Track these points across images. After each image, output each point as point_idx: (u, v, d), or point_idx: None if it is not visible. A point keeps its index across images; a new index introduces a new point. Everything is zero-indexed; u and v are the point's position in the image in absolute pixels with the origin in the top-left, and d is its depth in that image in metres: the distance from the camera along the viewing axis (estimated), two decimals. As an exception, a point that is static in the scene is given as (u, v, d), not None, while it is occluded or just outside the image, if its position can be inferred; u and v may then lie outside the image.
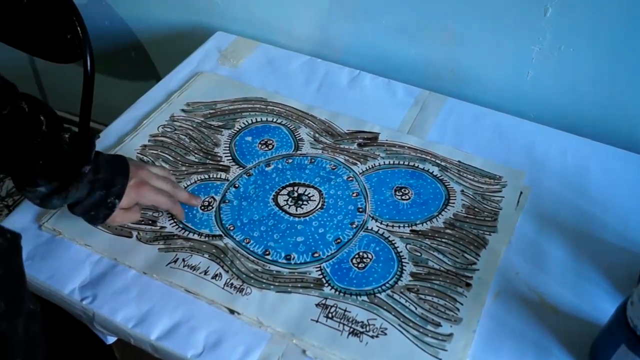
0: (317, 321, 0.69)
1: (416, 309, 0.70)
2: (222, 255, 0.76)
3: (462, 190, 0.83)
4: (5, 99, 0.63)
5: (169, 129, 0.93)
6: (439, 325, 0.68)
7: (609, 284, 0.73)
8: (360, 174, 0.86)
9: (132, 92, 1.02)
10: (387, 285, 0.72)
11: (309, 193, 0.83)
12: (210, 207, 0.82)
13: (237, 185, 0.84)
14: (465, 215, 0.80)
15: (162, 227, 0.79)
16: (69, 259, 0.76)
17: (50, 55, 0.75)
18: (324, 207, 0.81)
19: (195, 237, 0.78)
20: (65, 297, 0.73)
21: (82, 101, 0.64)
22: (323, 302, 0.71)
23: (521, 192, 0.83)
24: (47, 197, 0.68)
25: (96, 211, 0.72)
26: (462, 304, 0.70)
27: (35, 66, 1.54)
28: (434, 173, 0.85)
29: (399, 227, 0.79)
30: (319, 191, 0.83)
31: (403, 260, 0.75)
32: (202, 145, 0.90)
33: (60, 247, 0.77)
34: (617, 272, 0.74)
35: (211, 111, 0.96)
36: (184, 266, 0.75)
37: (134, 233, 0.78)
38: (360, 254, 0.76)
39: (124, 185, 0.73)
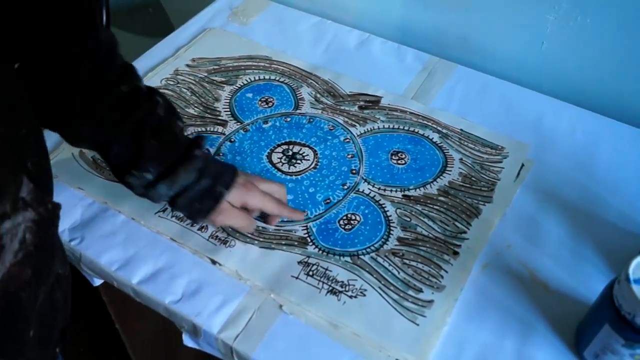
0: (297, 278, 0.69)
1: (399, 273, 0.69)
2: (210, 208, 0.76)
3: (461, 159, 0.81)
4: (125, 76, 0.62)
5: (171, 82, 0.93)
6: (420, 290, 0.67)
7: (607, 265, 0.71)
8: (357, 136, 0.84)
9: (148, 48, 1.02)
10: (372, 248, 0.71)
11: (304, 152, 0.82)
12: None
13: (232, 140, 0.84)
14: (460, 183, 0.78)
15: (154, 176, 0.79)
16: (62, 201, 0.73)
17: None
18: (317, 166, 0.80)
19: (186, 188, 0.78)
20: (54, 238, 0.74)
21: None
22: (305, 260, 0.70)
23: (523, 165, 0.80)
24: (153, 183, 0.63)
25: (201, 202, 0.66)
26: (446, 272, 0.69)
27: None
28: (434, 140, 0.84)
29: (391, 191, 0.77)
30: (314, 151, 0.82)
31: (391, 224, 0.74)
32: (202, 100, 0.90)
33: (55, 189, 0.77)
34: (617, 254, 0.71)
35: (215, 67, 0.96)
36: (171, 216, 0.75)
37: (127, 180, 0.79)
38: (349, 215, 0.75)
39: (233, 179, 0.68)
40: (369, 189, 0.78)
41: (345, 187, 0.78)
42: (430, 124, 0.86)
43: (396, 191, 0.77)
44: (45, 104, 0.58)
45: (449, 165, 0.80)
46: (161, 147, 0.63)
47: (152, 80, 0.93)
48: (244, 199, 0.69)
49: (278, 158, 0.82)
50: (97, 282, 0.76)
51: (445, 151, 0.82)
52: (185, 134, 0.68)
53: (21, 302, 0.44)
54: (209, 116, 0.87)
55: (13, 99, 0.44)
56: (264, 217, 0.74)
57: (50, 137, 0.84)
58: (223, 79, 0.94)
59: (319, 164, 0.81)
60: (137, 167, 0.62)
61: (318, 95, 0.91)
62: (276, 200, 0.72)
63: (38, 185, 0.44)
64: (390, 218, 0.74)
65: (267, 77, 0.94)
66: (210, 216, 0.68)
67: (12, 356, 0.45)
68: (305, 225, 0.74)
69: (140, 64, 0.97)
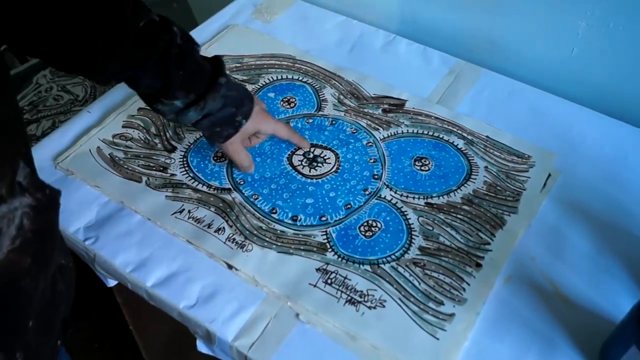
0: (315, 286, 0.67)
1: (419, 284, 0.67)
2: (228, 210, 0.74)
3: (486, 167, 0.79)
4: (139, 12, 0.63)
5: (193, 79, 0.91)
6: (441, 303, 0.65)
7: (632, 281, 0.68)
8: (380, 140, 0.82)
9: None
10: (393, 256, 0.69)
11: (325, 155, 0.81)
12: (224, 159, 0.80)
13: (253, 141, 0.82)
14: (485, 192, 0.76)
15: (172, 175, 0.78)
16: (78, 199, 0.76)
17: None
18: (339, 170, 0.79)
19: (204, 188, 0.77)
20: (70, 236, 0.73)
21: None
22: (324, 267, 0.69)
23: (549, 175, 0.78)
24: (183, 110, 0.68)
25: (222, 127, 0.72)
26: (469, 285, 0.67)
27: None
28: (459, 146, 0.81)
29: (414, 198, 0.75)
30: (336, 154, 0.81)
31: (413, 232, 0.72)
32: (223, 98, 0.88)
33: (71, 187, 0.78)
34: (643, 269, 0.69)
35: (237, 65, 0.94)
36: (188, 218, 0.74)
37: (144, 178, 0.78)
38: (370, 222, 0.73)
39: (251, 108, 0.74)
40: (391, 195, 0.76)
41: (367, 192, 0.76)
42: (455, 129, 0.84)
43: (419, 198, 0.75)
44: (70, 51, 0.61)
45: (473, 173, 0.78)
46: (187, 77, 0.66)
47: (172, 77, 0.91)
48: (258, 126, 0.76)
49: (299, 160, 0.80)
50: (112, 282, 0.75)
51: (470, 158, 0.80)
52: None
53: (21, 291, 0.44)
54: (230, 115, 0.86)
55: (2, 83, 0.44)
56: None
57: (67, 134, 0.84)
58: (245, 78, 0.92)
59: (340, 167, 0.79)
60: (166, 96, 0.67)
61: (341, 97, 0.89)
62: (287, 126, 0.80)
63: (34, 170, 0.44)
64: (412, 226, 0.72)
65: (289, 76, 0.92)
66: (226, 142, 0.74)
67: (10, 347, 0.44)
68: (325, 230, 0.72)
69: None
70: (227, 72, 0.73)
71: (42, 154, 0.82)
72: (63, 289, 0.53)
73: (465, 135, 0.83)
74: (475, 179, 0.78)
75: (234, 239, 0.71)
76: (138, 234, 0.73)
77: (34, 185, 0.43)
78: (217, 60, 0.71)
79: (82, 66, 0.64)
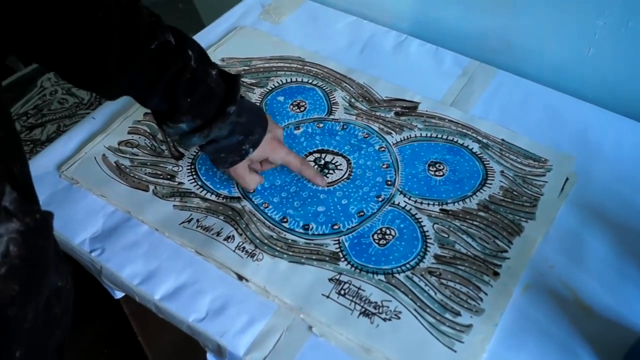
0: (327, 297, 0.65)
1: (435, 294, 0.65)
2: (237, 218, 0.72)
3: (502, 171, 0.77)
4: (153, 32, 0.60)
5: (200, 83, 0.89)
6: (458, 314, 0.63)
7: (654, 289, 0.66)
8: (393, 144, 0.80)
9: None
10: (408, 266, 0.67)
11: (337, 161, 0.79)
12: (232, 166, 0.78)
13: (262, 147, 0.80)
14: (502, 198, 0.74)
15: (180, 183, 0.76)
16: (84, 209, 0.75)
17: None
18: (351, 177, 0.77)
19: (213, 197, 0.75)
20: (75, 248, 0.71)
21: None
22: (337, 277, 0.67)
23: (567, 179, 0.76)
24: (188, 134, 0.66)
25: (227, 154, 0.70)
26: (486, 294, 0.65)
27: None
28: (474, 150, 0.79)
29: (428, 204, 0.73)
30: (347, 160, 0.79)
31: (428, 240, 0.70)
32: (231, 102, 0.86)
33: (76, 196, 0.76)
34: (666, 276, 0.67)
35: (245, 68, 0.92)
36: (197, 227, 0.72)
37: (151, 187, 0.76)
38: (383, 229, 0.71)
39: (262, 137, 0.71)
40: (404, 201, 0.74)
41: (380, 199, 0.74)
42: (469, 132, 0.81)
43: (434, 205, 0.73)
44: (78, 68, 0.60)
45: (489, 178, 0.76)
46: (196, 104, 0.64)
47: (179, 81, 0.89)
48: (267, 154, 0.73)
49: (310, 167, 0.78)
50: (119, 294, 0.73)
51: (485, 162, 0.78)
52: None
53: (6, 320, 0.41)
54: (238, 120, 0.84)
55: None
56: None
57: (71, 141, 0.82)
58: (253, 81, 0.90)
59: (352, 174, 0.77)
60: (172, 120, 0.65)
61: (352, 100, 0.87)
62: (301, 159, 0.75)
63: (23, 194, 0.41)
64: (427, 233, 0.70)
65: (299, 79, 0.90)
66: (230, 168, 0.72)
67: None
68: (337, 238, 0.70)
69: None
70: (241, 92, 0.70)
71: (46, 162, 0.80)
72: (59, 312, 0.50)
73: (480, 138, 0.81)
74: (491, 184, 0.75)
75: (243, 248, 0.70)
76: (145, 244, 0.71)
77: (22, 209, 0.41)
78: (233, 82, 0.68)
79: (88, 83, 0.62)
